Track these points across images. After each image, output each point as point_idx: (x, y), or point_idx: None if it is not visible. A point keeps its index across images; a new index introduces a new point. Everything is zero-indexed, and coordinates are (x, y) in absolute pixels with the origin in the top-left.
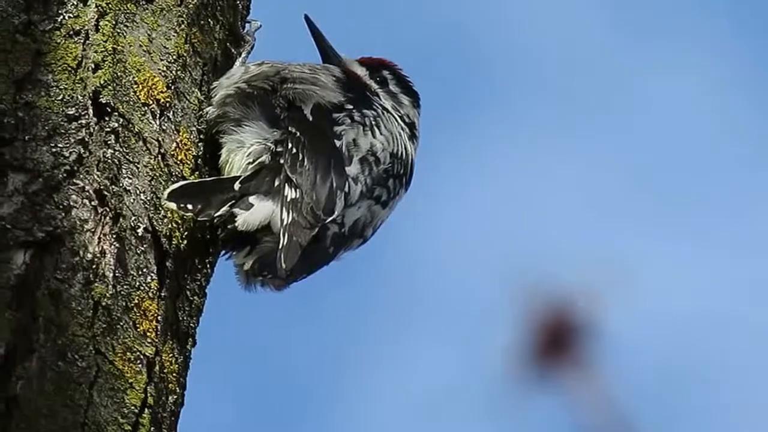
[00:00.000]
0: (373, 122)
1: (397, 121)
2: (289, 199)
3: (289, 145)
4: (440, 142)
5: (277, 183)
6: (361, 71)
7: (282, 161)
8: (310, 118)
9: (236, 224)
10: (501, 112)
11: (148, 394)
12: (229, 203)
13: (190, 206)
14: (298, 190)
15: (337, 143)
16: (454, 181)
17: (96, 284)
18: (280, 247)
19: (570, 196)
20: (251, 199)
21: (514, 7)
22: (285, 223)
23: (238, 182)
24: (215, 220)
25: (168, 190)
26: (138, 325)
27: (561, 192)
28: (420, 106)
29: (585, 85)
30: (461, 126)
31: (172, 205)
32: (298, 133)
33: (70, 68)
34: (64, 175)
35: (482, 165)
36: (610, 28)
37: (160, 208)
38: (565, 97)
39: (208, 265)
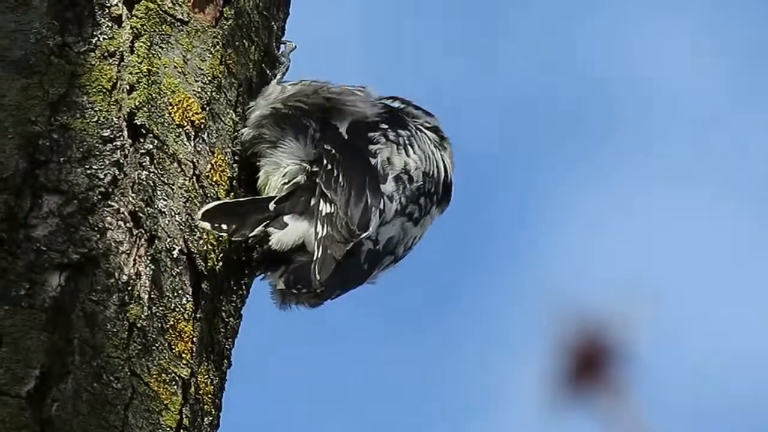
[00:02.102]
0: (407, 141)
1: (429, 139)
2: (324, 214)
3: (325, 162)
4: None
5: (312, 202)
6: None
7: (317, 179)
8: (346, 137)
9: (270, 244)
10: (623, 152)
11: (184, 416)
12: (264, 223)
13: (224, 226)
14: (333, 205)
15: (372, 161)
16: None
17: (131, 306)
18: (315, 259)
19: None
20: (286, 218)
21: (644, 53)
22: (320, 236)
23: (273, 202)
24: (250, 240)
25: (202, 210)
26: (173, 347)
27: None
28: (434, 116)
29: (708, 137)
30: (576, 160)
31: (207, 225)
32: (333, 151)
33: (104, 90)
34: (99, 197)
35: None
36: (739, 83)
37: (196, 230)
38: (688, 146)
39: (243, 287)
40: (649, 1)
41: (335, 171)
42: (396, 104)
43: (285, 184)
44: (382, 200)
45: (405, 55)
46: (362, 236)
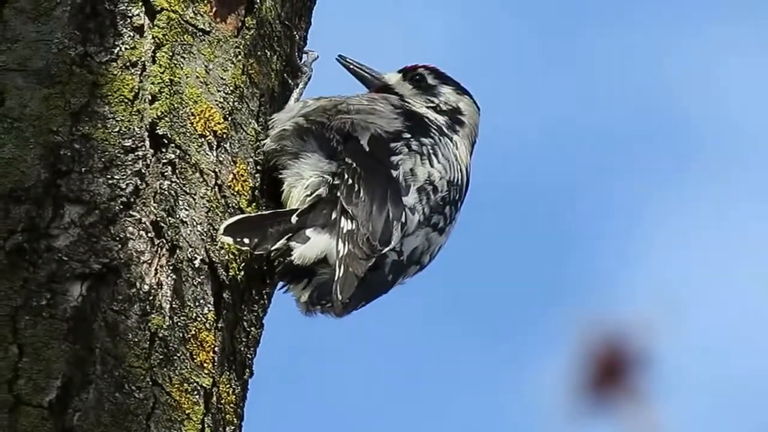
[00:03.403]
0: (431, 150)
1: (451, 143)
2: (345, 231)
3: (345, 176)
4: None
5: (334, 216)
6: (396, 78)
7: (338, 194)
8: (367, 149)
9: (293, 258)
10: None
11: (206, 425)
12: (286, 236)
13: (246, 240)
14: (354, 221)
15: (394, 173)
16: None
17: (153, 316)
18: (336, 278)
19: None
20: (308, 232)
21: (726, 78)
22: (341, 254)
23: (295, 215)
24: (272, 254)
25: (224, 225)
26: (195, 356)
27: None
28: (467, 94)
29: None
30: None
31: (229, 240)
32: (354, 164)
33: (126, 100)
34: (121, 206)
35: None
36: None
37: (217, 240)
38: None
39: (265, 296)
40: (726, 29)
41: (356, 185)
42: (419, 73)
43: (307, 196)
44: (403, 213)
45: (488, 76)
46: (384, 251)
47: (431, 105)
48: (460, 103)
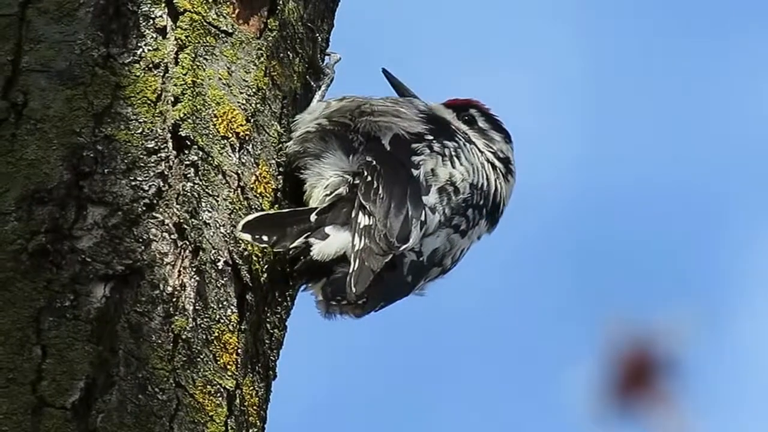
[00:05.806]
0: (453, 153)
1: (480, 153)
2: (362, 226)
3: (365, 174)
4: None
5: (353, 214)
6: (449, 114)
7: (357, 191)
8: (388, 148)
9: (312, 254)
10: None
11: (229, 428)
12: (305, 234)
13: (265, 237)
14: (371, 217)
15: (415, 173)
16: None
17: (176, 317)
18: (351, 271)
19: None
20: (327, 229)
21: None
22: (357, 248)
23: (314, 213)
24: (291, 252)
25: (242, 222)
26: (218, 358)
27: None
28: (512, 142)
29: None
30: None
31: (247, 237)
32: (375, 162)
33: (149, 101)
34: (144, 208)
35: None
36: None
37: (240, 241)
38: None
39: (288, 298)
40: None
41: (375, 182)
42: (470, 114)
43: (327, 195)
44: (423, 212)
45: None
46: (402, 248)
47: (492, 150)
48: (510, 153)
